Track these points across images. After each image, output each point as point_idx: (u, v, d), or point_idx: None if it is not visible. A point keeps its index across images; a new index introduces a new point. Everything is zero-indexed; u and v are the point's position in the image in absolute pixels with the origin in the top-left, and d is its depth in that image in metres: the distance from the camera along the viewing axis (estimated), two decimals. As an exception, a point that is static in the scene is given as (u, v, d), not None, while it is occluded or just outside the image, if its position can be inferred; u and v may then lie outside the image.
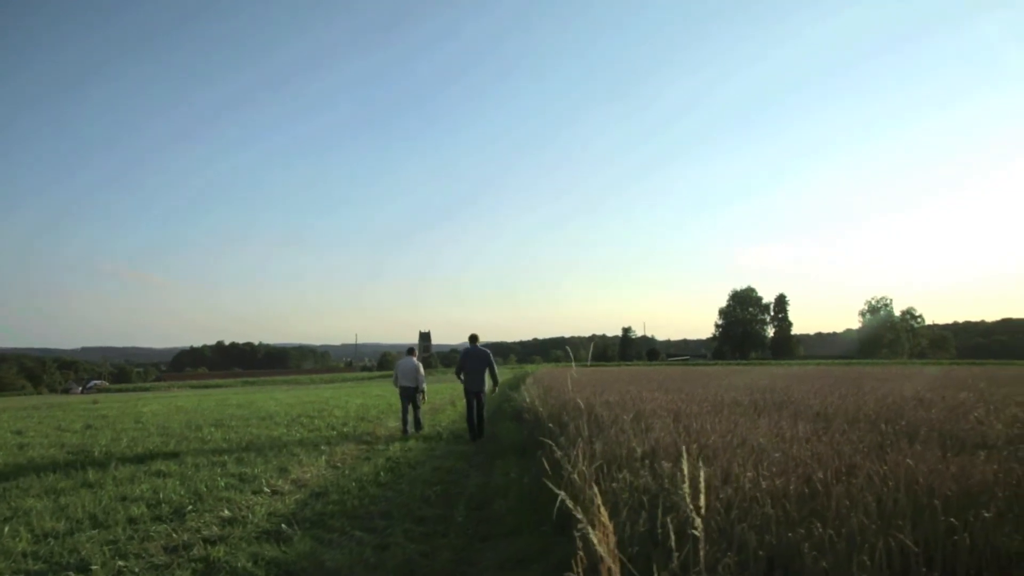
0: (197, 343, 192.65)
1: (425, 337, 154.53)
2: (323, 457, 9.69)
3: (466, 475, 8.60)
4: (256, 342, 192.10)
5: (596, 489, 3.04)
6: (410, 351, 13.64)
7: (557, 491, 4.57)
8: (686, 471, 2.88)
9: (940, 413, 7.50)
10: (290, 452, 10.14)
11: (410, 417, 12.78)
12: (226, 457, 9.61)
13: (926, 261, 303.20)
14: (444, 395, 23.18)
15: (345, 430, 12.95)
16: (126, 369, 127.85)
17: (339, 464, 9.27)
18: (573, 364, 9.39)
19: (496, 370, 12.16)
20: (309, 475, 8.37)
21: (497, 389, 13.17)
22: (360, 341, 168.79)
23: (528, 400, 13.71)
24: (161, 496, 7.01)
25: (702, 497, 2.67)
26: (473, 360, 12.04)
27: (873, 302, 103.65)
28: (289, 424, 14.17)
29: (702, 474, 2.79)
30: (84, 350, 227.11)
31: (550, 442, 6.06)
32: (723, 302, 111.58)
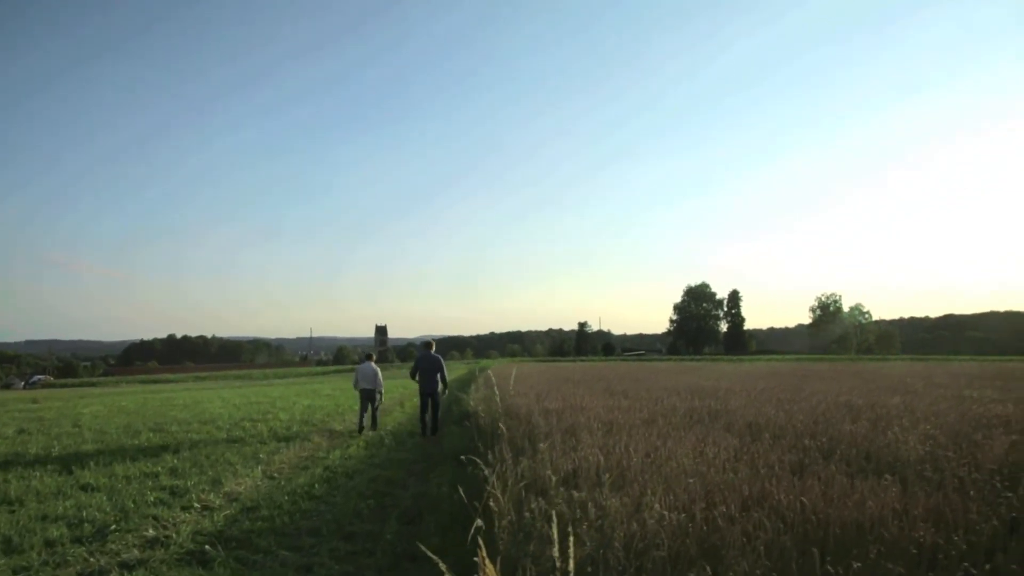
0: (148, 336, 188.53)
1: (382, 331, 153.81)
2: (260, 467, 9.58)
3: (404, 485, 8.58)
4: (209, 335, 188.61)
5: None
6: (368, 356, 14.86)
7: (475, 517, 4.66)
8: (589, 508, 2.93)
9: (864, 426, 7.74)
10: (227, 461, 10.01)
11: (367, 420, 13.92)
12: (160, 468, 9.45)
13: (876, 259, 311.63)
14: (394, 394, 23.03)
15: (287, 435, 12.81)
16: (72, 363, 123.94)
17: (276, 474, 9.17)
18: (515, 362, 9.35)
19: (446, 374, 13.39)
20: (243, 487, 8.27)
21: (447, 392, 14.07)
22: (315, 335, 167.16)
23: (472, 404, 13.78)
24: (84, 514, 6.85)
25: (571, 560, 2.70)
26: (427, 365, 13.23)
27: (823, 299, 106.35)
28: (230, 429, 13.95)
29: (571, 545, 2.81)
30: (28, 343, 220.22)
31: (477, 459, 6.10)
32: (679, 298, 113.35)
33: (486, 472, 5.84)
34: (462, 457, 9.40)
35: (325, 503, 7.54)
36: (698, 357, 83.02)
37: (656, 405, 11.21)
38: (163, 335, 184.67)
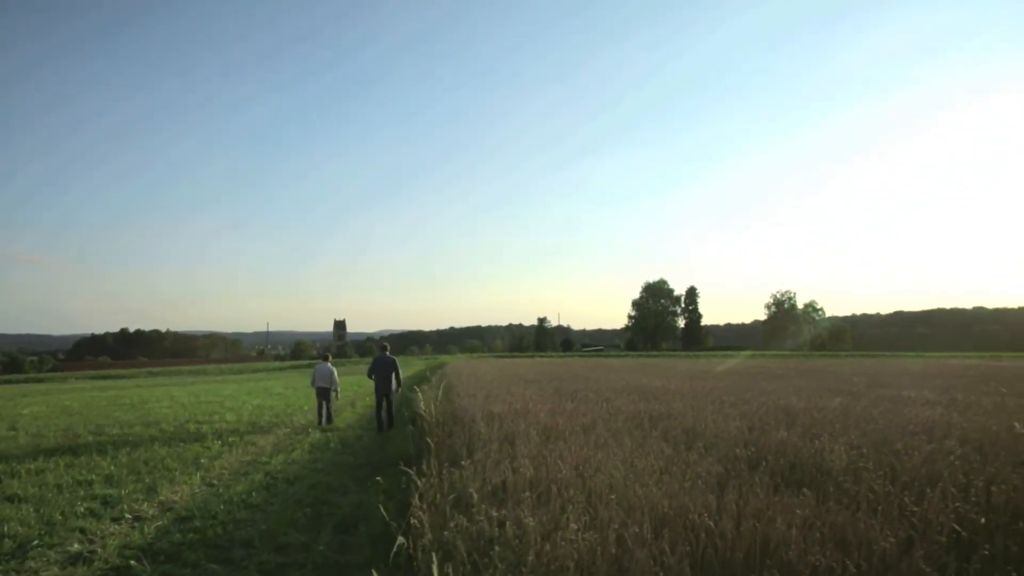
0: (99, 330, 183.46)
1: (340, 326, 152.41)
2: (199, 473, 9.44)
3: (345, 491, 8.52)
4: (163, 329, 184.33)
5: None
6: (324, 357, 16.19)
7: (398, 534, 4.67)
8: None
9: (796, 433, 7.91)
10: (166, 467, 9.84)
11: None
12: (95, 475, 9.24)
13: (830, 257, 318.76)
14: (347, 393, 22.83)
15: (232, 438, 12.63)
16: (18, 358, 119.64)
17: (215, 481, 9.04)
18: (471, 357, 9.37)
19: (400, 374, 14.58)
20: (179, 496, 8.15)
21: (400, 390, 15.06)
22: (273, 329, 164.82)
23: (421, 406, 13.74)
24: (6, 529, 6.64)
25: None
26: (382, 366, 14.32)
27: (778, 296, 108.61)
28: (174, 432, 13.72)
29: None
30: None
31: (409, 470, 6.11)
32: (637, 294, 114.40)
33: (419, 483, 5.87)
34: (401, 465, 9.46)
35: (262, 512, 7.47)
36: (655, 353, 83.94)
37: (601, 408, 11.33)
38: (115, 329, 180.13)
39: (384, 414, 14.15)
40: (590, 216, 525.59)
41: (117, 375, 59.99)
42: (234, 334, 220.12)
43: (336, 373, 15.63)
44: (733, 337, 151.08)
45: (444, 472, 6.12)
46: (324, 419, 15.05)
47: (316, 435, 13.21)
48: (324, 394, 15.20)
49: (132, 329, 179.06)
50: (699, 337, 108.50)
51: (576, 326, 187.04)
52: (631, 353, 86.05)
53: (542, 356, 72.85)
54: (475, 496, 4.74)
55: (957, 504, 4.41)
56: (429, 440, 7.99)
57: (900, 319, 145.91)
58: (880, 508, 4.49)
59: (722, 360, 56.29)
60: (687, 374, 26.73)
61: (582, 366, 36.60)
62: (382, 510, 5.13)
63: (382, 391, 14.21)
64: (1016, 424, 8.23)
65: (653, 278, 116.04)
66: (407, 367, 48.77)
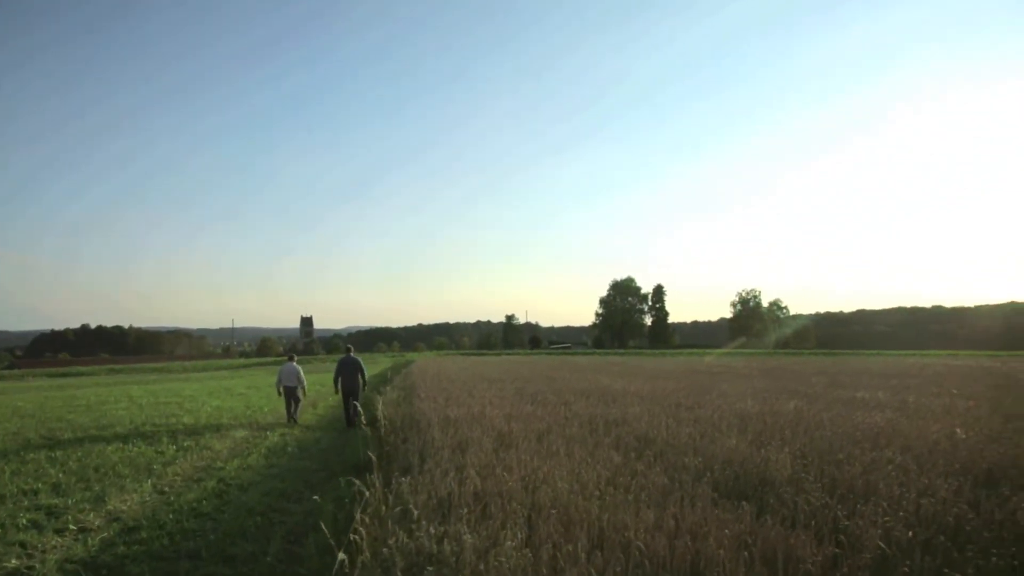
0: (59, 326, 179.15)
1: (307, 322, 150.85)
2: (151, 480, 9.30)
3: (299, 498, 8.45)
4: (126, 325, 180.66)
5: None
6: (290, 357, 17.08)
7: (338, 550, 4.66)
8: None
9: (746, 439, 8.03)
10: (117, 474, 9.68)
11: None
12: (41, 484, 9.04)
13: (796, 255, 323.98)
14: (311, 392, 22.48)
15: (187, 444, 12.42)
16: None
17: (167, 489, 8.92)
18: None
19: (366, 374, 15.58)
20: (128, 505, 8.02)
21: (366, 387, 15.87)
22: (238, 325, 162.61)
23: (381, 408, 13.70)
24: (-57, 543, 6.51)
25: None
26: (348, 367, 15.30)
27: (744, 294, 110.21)
28: (129, 436, 13.46)
29: None
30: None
31: (356, 481, 6.09)
32: (605, 291, 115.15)
33: (367, 494, 5.86)
34: (365, 466, 9.41)
35: (212, 520, 7.38)
36: (621, 351, 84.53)
37: (559, 412, 11.39)
38: (75, 325, 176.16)
39: (351, 411, 14.90)
40: (559, 214, 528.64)
41: (77, 373, 58.63)
42: (199, 330, 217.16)
43: (303, 372, 16.23)
44: (700, 335, 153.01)
45: (393, 482, 6.12)
46: (290, 417, 15.75)
47: (274, 438, 13.09)
48: (291, 393, 15.82)
49: (94, 325, 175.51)
50: (666, 335, 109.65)
51: (545, 323, 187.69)
52: (598, 351, 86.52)
53: (509, 354, 72.84)
54: (415, 512, 4.74)
55: (887, 518, 4.52)
56: (371, 454, 7.95)
57: (862, 317, 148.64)
58: (814, 523, 4.58)
59: (687, 358, 56.90)
60: (650, 374, 26.96)
61: (547, 365, 36.68)
62: (323, 526, 5.10)
63: (348, 391, 15.20)
64: (958, 430, 8.46)
65: (621, 276, 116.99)
66: (374, 365, 48.58)
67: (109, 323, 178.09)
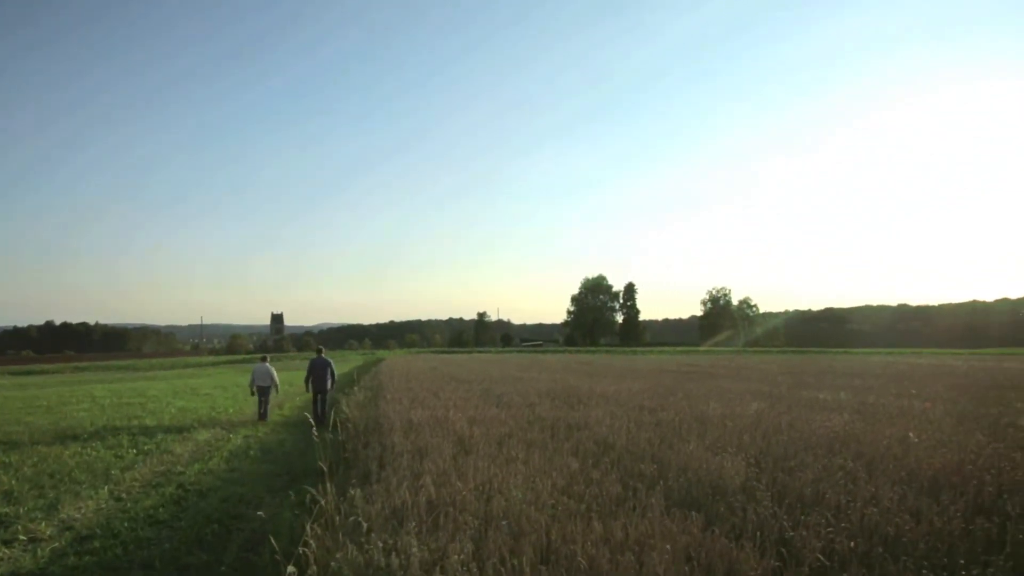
0: (22, 323, 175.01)
1: (277, 319, 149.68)
2: (107, 487, 9.15)
3: (259, 504, 8.38)
4: (92, 322, 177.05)
5: None
6: (263, 358, 17.92)
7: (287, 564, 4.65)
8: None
9: (704, 446, 8.06)
10: (73, 480, 9.52)
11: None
12: (-9, 492, 8.87)
13: (766, 254, 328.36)
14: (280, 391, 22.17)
15: (147, 447, 12.23)
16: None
17: (124, 495, 8.79)
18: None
19: (335, 373, 16.44)
20: (83, 512, 7.90)
21: (335, 385, 16.72)
22: (207, 322, 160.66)
23: (346, 410, 13.64)
24: None
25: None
26: (319, 368, 16.10)
27: (714, 292, 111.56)
28: (88, 439, 13.24)
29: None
30: None
31: (312, 491, 6.07)
32: (577, 289, 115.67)
33: (322, 502, 5.84)
34: (328, 470, 9.34)
35: (169, 528, 7.30)
36: (592, 349, 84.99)
37: (524, 414, 11.43)
38: (39, 322, 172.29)
39: (320, 409, 15.83)
40: (533, 212, 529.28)
41: (40, 371, 57.49)
42: (167, 327, 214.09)
43: (275, 372, 17.05)
44: (670, 332, 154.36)
45: (351, 490, 6.11)
46: (262, 415, 16.55)
47: (237, 441, 12.97)
48: (264, 392, 16.65)
49: (58, 322, 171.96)
50: (637, 333, 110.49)
51: (517, 320, 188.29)
52: (569, 349, 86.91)
53: (480, 352, 72.84)
54: (364, 525, 4.74)
55: (830, 529, 4.61)
56: (322, 465, 7.90)
57: (830, 315, 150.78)
58: (760, 534, 4.65)
59: (657, 356, 57.39)
60: (618, 373, 27.14)
61: (517, 365, 36.68)
62: (272, 540, 5.08)
63: (318, 390, 16.07)
64: (911, 434, 8.62)
65: (593, 274, 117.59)
66: (344, 364, 48.26)
67: (74, 319, 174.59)
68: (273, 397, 17.11)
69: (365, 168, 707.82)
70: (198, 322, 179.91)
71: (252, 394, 16.94)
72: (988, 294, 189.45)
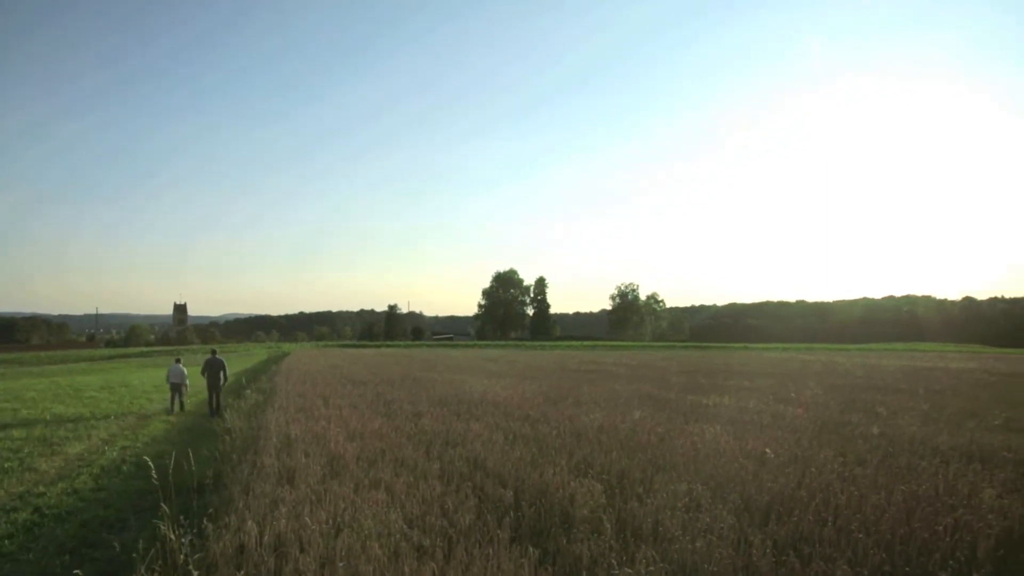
0: None
1: (181, 309, 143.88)
2: (-47, 514, 8.61)
3: (121, 528, 8.09)
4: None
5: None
6: (177, 360, 20.97)
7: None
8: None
9: (568, 467, 7.95)
10: (-88, 507, 8.90)
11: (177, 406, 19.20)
12: None
13: (673, 250, 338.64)
14: (163, 395, 21.01)
15: (8, 465, 11.35)
16: None
17: (-30, 524, 8.27)
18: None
19: (227, 372, 19.32)
20: (-82, 547, 7.39)
21: (227, 382, 19.56)
22: (104, 311, 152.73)
23: (230, 420, 13.30)
24: None
25: None
26: (213, 367, 18.87)
27: (623, 287, 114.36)
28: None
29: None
30: None
31: (163, 525, 5.92)
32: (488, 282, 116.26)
33: (172, 538, 5.71)
34: (206, 486, 8.99)
35: (12, 562, 6.92)
36: (502, 343, 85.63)
37: (407, 426, 11.39)
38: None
39: (214, 403, 18.46)
40: (447, 204, 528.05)
41: (-91, 365, 53.34)
42: (60, 316, 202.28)
43: (187, 372, 19.66)
44: (581, 326, 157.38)
45: (205, 520, 6.00)
46: (176, 408, 19.00)
47: (112, 454, 12.39)
48: (177, 388, 19.24)
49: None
50: (547, 326, 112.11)
51: (430, 312, 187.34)
52: (479, 343, 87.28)
53: (390, 346, 72.23)
54: (195, 572, 4.69)
55: (661, 564, 4.78)
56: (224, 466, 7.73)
57: (733, 310, 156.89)
58: (587, 574, 4.80)
59: (564, 351, 58.31)
60: (520, 372, 27.47)
61: (422, 362, 36.50)
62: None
63: (212, 387, 18.79)
64: (768, 450, 9.02)
65: (506, 267, 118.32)
66: (248, 358, 46.99)
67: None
68: (185, 392, 19.67)
69: (282, 159, 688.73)
70: (93, 312, 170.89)
71: (169, 389, 19.44)
72: (878, 291, 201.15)
